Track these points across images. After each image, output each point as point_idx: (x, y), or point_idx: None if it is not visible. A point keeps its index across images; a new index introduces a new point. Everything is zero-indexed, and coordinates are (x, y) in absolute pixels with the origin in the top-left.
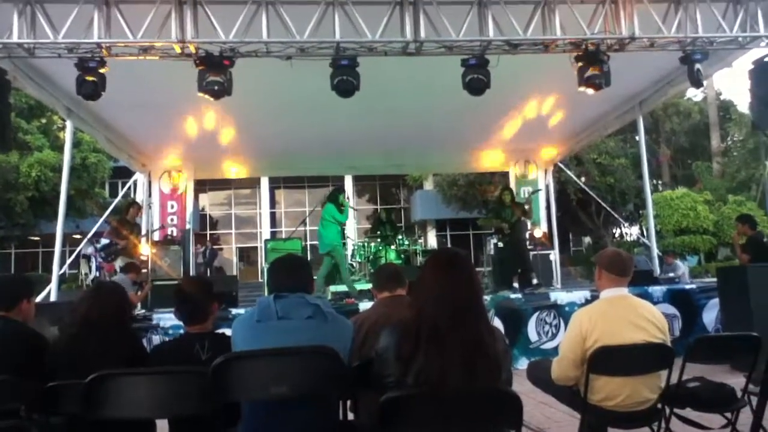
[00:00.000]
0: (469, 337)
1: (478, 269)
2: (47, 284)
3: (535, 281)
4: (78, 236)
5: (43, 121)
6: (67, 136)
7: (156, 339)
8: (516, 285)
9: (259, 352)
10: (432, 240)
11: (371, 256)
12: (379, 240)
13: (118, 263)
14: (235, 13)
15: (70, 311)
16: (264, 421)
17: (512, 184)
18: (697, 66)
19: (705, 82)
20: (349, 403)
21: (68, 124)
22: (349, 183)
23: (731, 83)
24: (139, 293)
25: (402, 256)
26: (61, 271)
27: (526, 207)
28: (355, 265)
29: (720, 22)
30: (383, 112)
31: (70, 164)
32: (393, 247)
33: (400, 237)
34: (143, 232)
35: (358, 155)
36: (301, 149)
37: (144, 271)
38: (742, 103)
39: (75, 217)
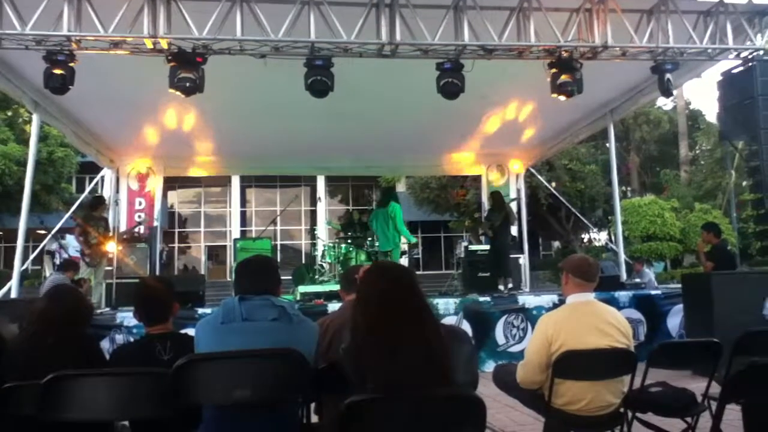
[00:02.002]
0: (413, 342)
1: (448, 272)
2: (9, 280)
3: (500, 287)
4: (42, 232)
5: (9, 113)
6: (33, 130)
7: (120, 338)
8: (502, 288)
9: (222, 354)
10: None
11: (341, 258)
12: (349, 241)
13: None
14: (209, 9)
15: (28, 311)
16: (225, 424)
17: (484, 188)
18: (668, 76)
19: (675, 92)
20: (313, 405)
21: (34, 117)
22: (321, 183)
23: (700, 93)
24: None
25: (372, 257)
26: (24, 267)
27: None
28: (324, 266)
29: (690, 33)
30: (357, 114)
31: (35, 158)
32: (363, 248)
33: (370, 239)
34: (110, 228)
35: (330, 156)
36: (274, 149)
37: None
38: (711, 113)
39: (40, 212)
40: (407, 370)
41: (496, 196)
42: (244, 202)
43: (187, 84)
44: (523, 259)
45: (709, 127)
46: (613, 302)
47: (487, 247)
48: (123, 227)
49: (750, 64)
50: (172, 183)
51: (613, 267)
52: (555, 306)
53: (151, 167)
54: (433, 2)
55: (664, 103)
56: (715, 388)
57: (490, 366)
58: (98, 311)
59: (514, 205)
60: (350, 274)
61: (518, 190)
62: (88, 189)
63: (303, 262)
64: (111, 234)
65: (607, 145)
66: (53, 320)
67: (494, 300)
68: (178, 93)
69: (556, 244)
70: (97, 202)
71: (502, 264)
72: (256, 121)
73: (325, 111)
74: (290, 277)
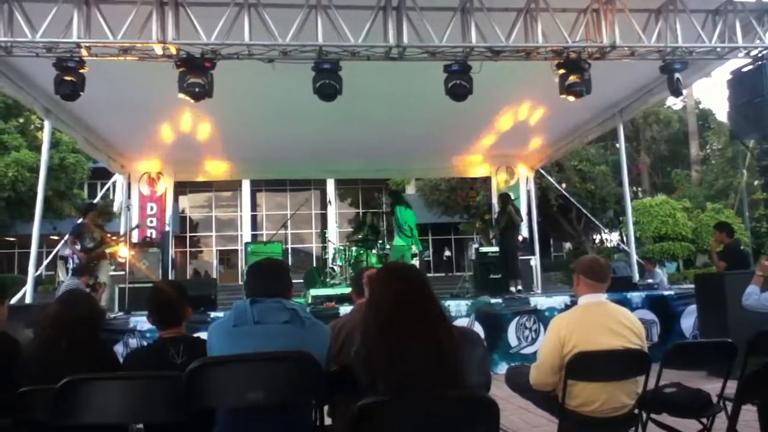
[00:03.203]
0: (425, 343)
1: (459, 274)
2: (23, 286)
3: (512, 289)
4: (55, 237)
5: (21, 120)
6: (45, 137)
7: (133, 342)
8: (513, 289)
9: (234, 357)
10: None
11: (352, 260)
12: (360, 244)
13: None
14: (217, 15)
15: (42, 316)
16: (239, 427)
17: (494, 190)
18: (677, 75)
19: (684, 91)
20: (326, 408)
21: (46, 124)
22: (331, 187)
23: (710, 92)
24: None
25: (383, 260)
26: (37, 273)
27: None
28: (336, 269)
29: (699, 32)
30: (365, 117)
31: (47, 165)
32: (374, 251)
33: (381, 241)
34: (122, 233)
35: (340, 159)
36: (284, 152)
37: (121, 271)
38: (721, 112)
39: (52, 218)
40: (419, 370)
41: (502, 198)
42: (254, 206)
43: (196, 89)
44: (535, 261)
45: (719, 126)
46: (625, 303)
47: (498, 249)
48: (134, 232)
49: (760, 62)
50: (183, 188)
51: (625, 268)
52: (567, 307)
53: (161, 172)
54: (439, 4)
55: (674, 102)
56: (731, 389)
57: (502, 368)
58: (110, 315)
59: (523, 202)
60: (361, 277)
61: (528, 192)
62: (100, 194)
63: (314, 265)
64: (107, 239)
65: (617, 145)
66: (66, 325)
67: (506, 302)
68: (187, 98)
69: (568, 245)
70: (87, 209)
71: (510, 265)
72: (266, 125)
73: (335, 114)
74: (302, 281)
